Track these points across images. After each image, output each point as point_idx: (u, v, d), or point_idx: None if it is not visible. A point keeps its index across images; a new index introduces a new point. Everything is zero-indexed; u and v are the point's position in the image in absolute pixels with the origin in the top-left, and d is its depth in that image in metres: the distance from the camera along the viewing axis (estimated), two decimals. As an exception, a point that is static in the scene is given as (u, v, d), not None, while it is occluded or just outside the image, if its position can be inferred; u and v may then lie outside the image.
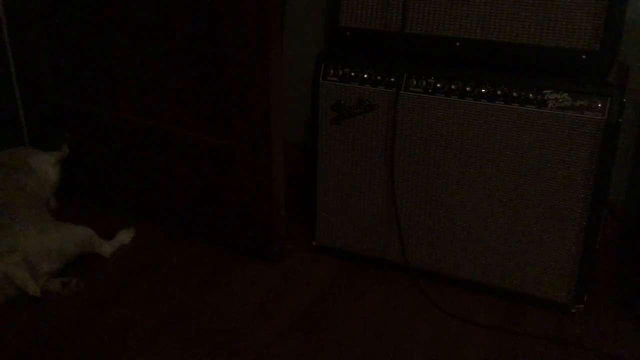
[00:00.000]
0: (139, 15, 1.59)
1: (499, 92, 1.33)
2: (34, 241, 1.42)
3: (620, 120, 1.26)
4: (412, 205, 1.48)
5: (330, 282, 1.53)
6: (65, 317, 1.40)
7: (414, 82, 1.40)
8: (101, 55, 1.71)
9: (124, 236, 1.65)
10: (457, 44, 1.35)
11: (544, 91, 1.29)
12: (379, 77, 1.42)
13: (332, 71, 1.47)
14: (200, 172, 1.63)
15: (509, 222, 1.39)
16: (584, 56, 1.25)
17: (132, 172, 1.77)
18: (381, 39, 1.42)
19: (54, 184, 1.73)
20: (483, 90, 1.34)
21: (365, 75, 1.43)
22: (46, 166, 1.71)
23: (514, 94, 1.31)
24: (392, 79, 1.41)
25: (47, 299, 1.44)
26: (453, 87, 1.36)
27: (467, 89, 1.35)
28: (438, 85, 1.37)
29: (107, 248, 1.60)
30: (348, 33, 1.45)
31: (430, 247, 1.49)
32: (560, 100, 1.28)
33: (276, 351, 1.31)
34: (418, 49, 1.39)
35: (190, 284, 1.52)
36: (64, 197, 1.82)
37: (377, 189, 1.50)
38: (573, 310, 1.41)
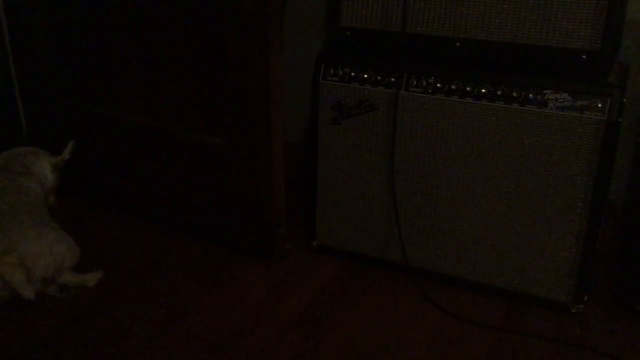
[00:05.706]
0: (139, 16, 1.59)
1: (499, 92, 1.33)
2: (32, 244, 1.40)
3: (620, 120, 1.26)
4: (412, 205, 1.48)
5: (330, 282, 1.53)
6: (64, 317, 1.40)
7: (414, 82, 1.40)
8: (101, 55, 1.71)
9: (90, 277, 1.51)
10: (457, 44, 1.35)
11: (544, 91, 1.29)
12: (379, 77, 1.42)
13: (332, 71, 1.47)
14: (200, 172, 1.63)
15: (509, 222, 1.39)
16: (584, 56, 1.26)
17: (132, 172, 1.77)
18: (381, 39, 1.42)
19: (51, 188, 1.73)
20: (483, 90, 1.34)
21: (365, 75, 1.43)
22: (45, 171, 1.70)
23: (514, 94, 1.31)
24: (392, 79, 1.41)
25: (46, 299, 1.44)
26: (453, 87, 1.36)
27: (467, 89, 1.35)
28: (438, 85, 1.37)
29: (68, 276, 1.47)
30: (348, 33, 1.45)
31: (430, 247, 1.49)
32: (560, 100, 1.28)
33: (276, 351, 1.31)
34: (418, 49, 1.39)
35: (190, 284, 1.52)
36: (64, 197, 1.82)
37: (377, 189, 1.50)
38: (573, 310, 1.41)
